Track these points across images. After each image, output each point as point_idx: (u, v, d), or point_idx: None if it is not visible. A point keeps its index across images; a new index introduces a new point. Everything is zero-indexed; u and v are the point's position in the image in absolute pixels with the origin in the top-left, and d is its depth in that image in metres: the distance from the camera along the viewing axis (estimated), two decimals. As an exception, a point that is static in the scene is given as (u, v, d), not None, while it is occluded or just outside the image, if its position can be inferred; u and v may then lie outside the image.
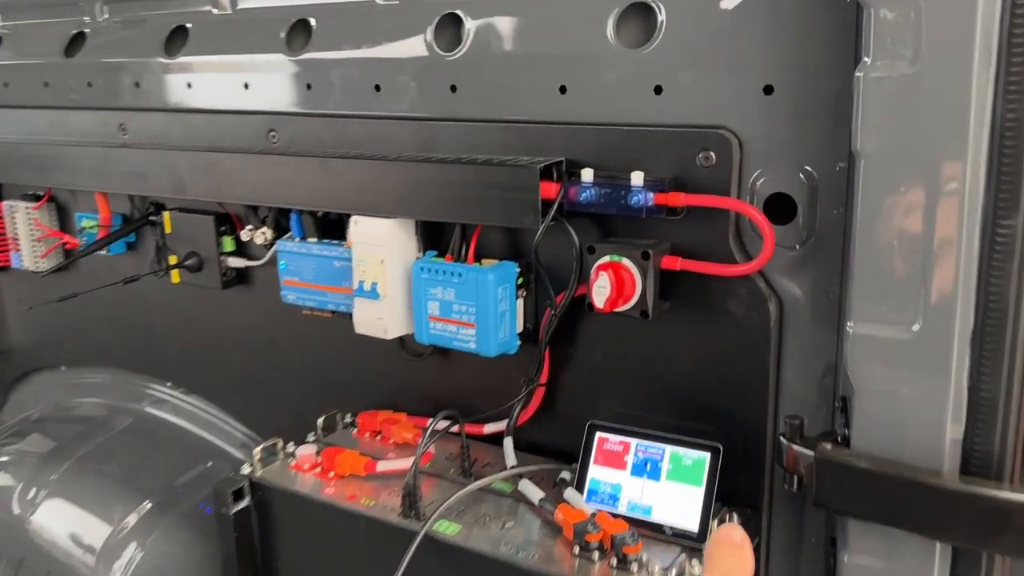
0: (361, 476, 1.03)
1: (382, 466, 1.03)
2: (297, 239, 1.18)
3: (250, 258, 1.29)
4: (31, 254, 1.48)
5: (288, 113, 1.19)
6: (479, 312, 1.01)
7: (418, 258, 1.08)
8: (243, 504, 1.04)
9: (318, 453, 1.08)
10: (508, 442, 1.03)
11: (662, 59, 0.92)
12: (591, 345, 1.03)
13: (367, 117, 1.12)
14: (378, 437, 1.15)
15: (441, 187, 0.99)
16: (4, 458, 1.50)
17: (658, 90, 0.92)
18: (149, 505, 1.33)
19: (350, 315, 1.13)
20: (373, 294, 1.07)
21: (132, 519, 1.31)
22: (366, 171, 1.05)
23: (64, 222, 1.50)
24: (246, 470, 1.07)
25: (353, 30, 1.13)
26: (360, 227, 1.07)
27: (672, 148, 0.91)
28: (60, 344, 1.62)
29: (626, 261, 0.92)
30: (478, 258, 1.05)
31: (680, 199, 0.89)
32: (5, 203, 1.49)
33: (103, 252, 1.39)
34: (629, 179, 0.90)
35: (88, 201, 1.43)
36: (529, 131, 1.00)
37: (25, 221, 1.46)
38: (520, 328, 1.05)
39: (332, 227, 1.17)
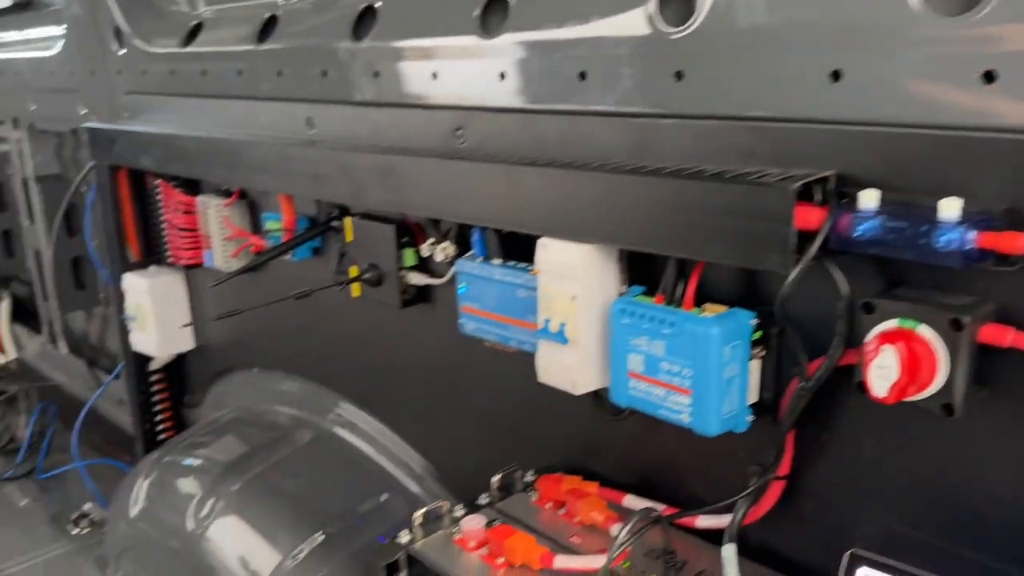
0: (535, 570, 0.82)
1: (562, 562, 0.81)
2: (479, 259, 0.99)
3: (432, 275, 1.11)
4: (222, 253, 1.41)
5: (478, 108, 0.99)
6: (697, 376, 0.75)
7: (620, 294, 0.84)
8: (398, 580, 0.87)
9: (488, 525, 0.88)
10: (730, 550, 0.77)
11: (998, 33, 0.60)
12: (857, 435, 0.73)
13: (567, 113, 0.89)
14: (561, 510, 0.93)
15: (655, 207, 0.74)
16: (193, 462, 1.46)
17: (989, 77, 0.61)
18: (322, 537, 1.21)
19: (533, 354, 0.92)
20: (560, 337, 0.85)
21: (304, 550, 1.21)
22: (560, 182, 0.83)
23: (255, 220, 1.41)
24: (404, 539, 0.89)
25: (558, 5, 0.91)
26: (548, 253, 0.85)
27: (1010, 164, 0.60)
28: (252, 346, 1.56)
29: (924, 330, 0.62)
30: (700, 301, 0.79)
31: (1021, 243, 0.58)
32: (199, 198, 1.44)
33: (287, 257, 1.29)
34: (935, 208, 0.61)
35: (274, 201, 1.33)
36: (781, 133, 0.72)
37: (216, 219, 1.40)
38: (754, 399, 0.78)
39: (520, 246, 0.96)
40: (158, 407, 1.76)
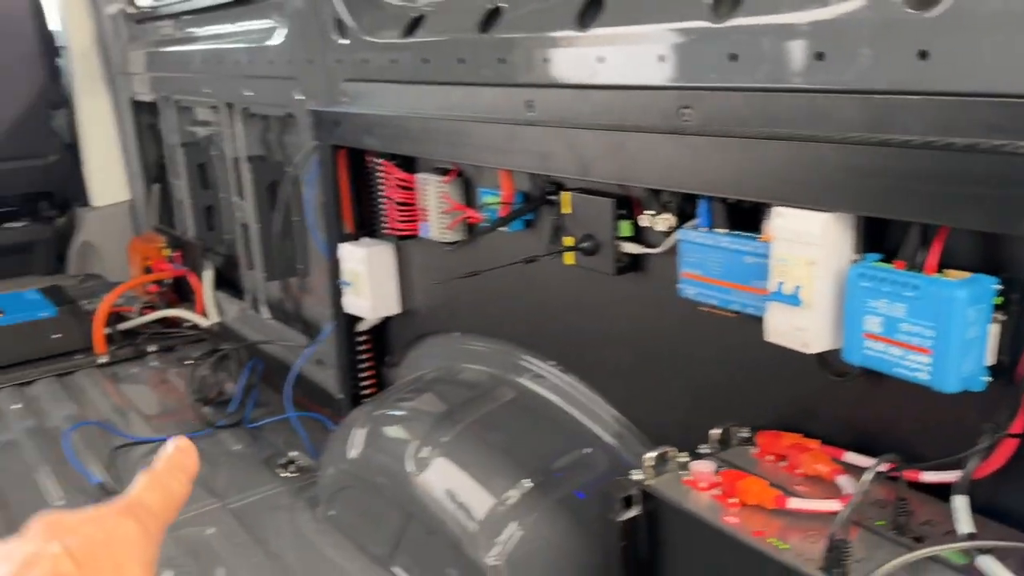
0: (767, 509, 0.90)
1: (796, 503, 0.88)
2: (703, 229, 1.07)
3: (647, 245, 1.20)
4: (438, 225, 1.55)
5: (705, 88, 1.07)
6: (939, 336, 0.80)
7: (854, 261, 0.90)
8: (632, 513, 0.97)
9: (716, 471, 0.97)
10: (961, 501, 0.82)
11: None
12: (1102, 397, 0.77)
13: (802, 91, 0.96)
14: (782, 463, 1.00)
15: (906, 177, 0.80)
16: (404, 413, 1.62)
17: None
18: (530, 484, 1.33)
19: (756, 318, 0.99)
20: (794, 299, 0.92)
21: (514, 495, 1.32)
22: (800, 154, 0.89)
23: (469, 196, 1.55)
24: (637, 476, 0.98)
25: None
26: (786, 220, 0.92)
27: None
28: (457, 312, 1.70)
29: None
30: (940, 267, 0.84)
31: None
32: (419, 175, 1.58)
33: (503, 228, 1.41)
34: None
35: (491, 177, 1.45)
36: (1032, 108, 0.76)
37: (435, 194, 1.54)
38: (991, 361, 0.83)
39: (745, 217, 1.04)
40: (362, 366, 1.94)
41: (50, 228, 3.47)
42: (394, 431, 1.56)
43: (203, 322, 2.80)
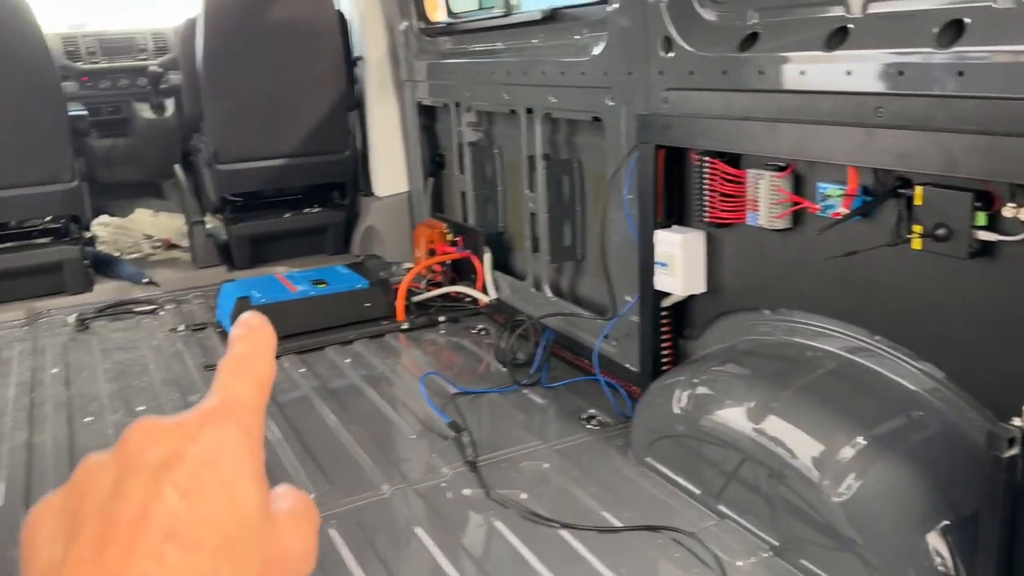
0: None
1: None
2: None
3: (1003, 233, 1.40)
4: (767, 214, 1.80)
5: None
6: None
7: None
8: (1014, 451, 1.18)
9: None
10: None
11: None
12: None
13: None
14: None
15: None
16: (730, 376, 1.88)
17: None
18: (865, 442, 1.55)
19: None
20: None
21: (848, 451, 1.55)
22: None
23: (798, 189, 1.78)
24: (1018, 423, 1.19)
25: None
26: None
27: None
28: (769, 290, 1.94)
29: None
30: None
31: None
32: (751, 171, 1.84)
33: (840, 218, 1.64)
34: None
35: (830, 172, 1.69)
36: None
37: (767, 187, 1.79)
38: None
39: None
40: (663, 338, 2.22)
41: (340, 214, 4.02)
42: (726, 390, 1.82)
43: (483, 298, 3.20)
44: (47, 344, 3.12)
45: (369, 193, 3.99)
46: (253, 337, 0.46)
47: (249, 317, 0.47)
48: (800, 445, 1.61)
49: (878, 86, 1.57)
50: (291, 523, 0.43)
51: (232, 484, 0.40)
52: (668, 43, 2.07)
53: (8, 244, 3.60)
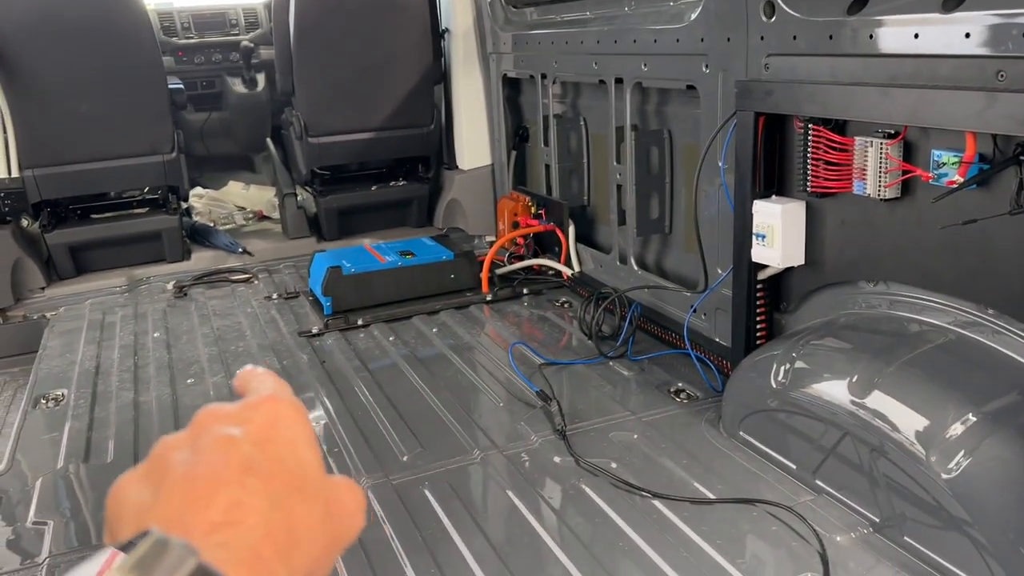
0: None
1: None
2: None
3: None
4: (875, 184, 1.74)
5: None
6: None
7: None
8: None
9: None
10: None
11: None
12: None
13: None
14: None
15: None
16: (832, 350, 1.83)
17: None
18: (975, 418, 1.49)
19: None
20: None
21: (958, 427, 1.49)
22: None
23: (908, 157, 1.72)
24: None
25: None
26: None
27: None
28: (873, 262, 1.88)
29: None
30: None
31: None
32: (858, 139, 1.78)
33: (955, 186, 1.57)
34: None
35: (944, 139, 1.62)
36: None
37: (876, 155, 1.73)
38: None
39: None
40: (757, 312, 2.18)
41: (424, 187, 4.06)
42: (827, 364, 1.78)
43: (566, 271, 3.19)
44: (148, 310, 3.26)
45: (453, 166, 4.02)
46: (268, 374, 0.54)
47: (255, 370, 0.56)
48: (906, 420, 1.57)
49: (999, 48, 1.49)
50: (346, 485, 0.50)
51: (294, 442, 0.47)
52: (771, 8, 2.01)
53: (110, 214, 3.76)
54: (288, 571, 0.42)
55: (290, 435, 0.47)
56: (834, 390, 1.71)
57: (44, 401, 2.47)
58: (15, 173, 3.43)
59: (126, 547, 0.38)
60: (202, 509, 0.41)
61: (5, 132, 3.40)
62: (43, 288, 3.52)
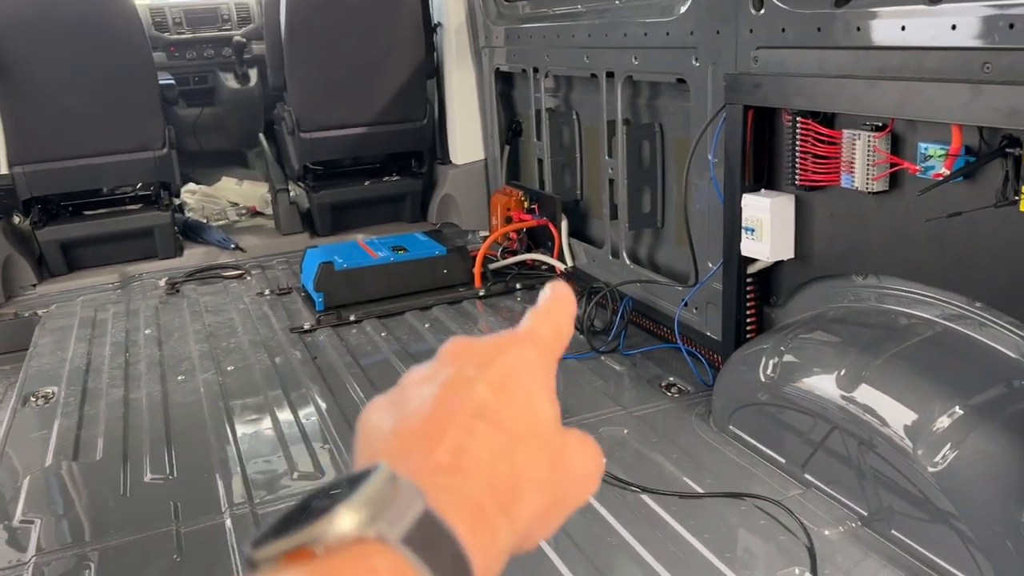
0: None
1: None
2: None
3: (1119, 192, 1.32)
4: (863, 176, 1.74)
5: None
6: None
7: None
8: None
9: None
10: None
11: None
12: None
13: None
14: None
15: None
16: (820, 344, 1.83)
17: None
18: (961, 412, 1.49)
19: None
20: None
21: (945, 420, 1.49)
22: None
23: (896, 149, 1.71)
24: None
25: None
26: None
27: None
28: (862, 255, 1.87)
29: None
30: None
31: None
32: (846, 131, 1.77)
33: (942, 178, 1.57)
34: None
35: (931, 131, 1.61)
36: None
37: (864, 148, 1.72)
38: None
39: None
40: (747, 305, 2.18)
41: (418, 182, 4.05)
42: (815, 358, 1.78)
43: (559, 265, 3.19)
44: (140, 306, 3.25)
45: (446, 161, 4.01)
46: (561, 297, 0.52)
47: (558, 284, 0.54)
48: (893, 414, 1.56)
49: (986, 40, 1.49)
50: (579, 444, 0.47)
51: (531, 391, 0.46)
52: (759, 0, 2.00)
53: (102, 210, 3.75)
54: (509, 526, 0.41)
55: (529, 383, 0.46)
56: (823, 384, 1.71)
57: (34, 399, 2.46)
58: (4, 170, 3.42)
59: (356, 480, 0.37)
60: (430, 449, 0.40)
61: (-6, 129, 3.38)
62: (35, 285, 3.51)
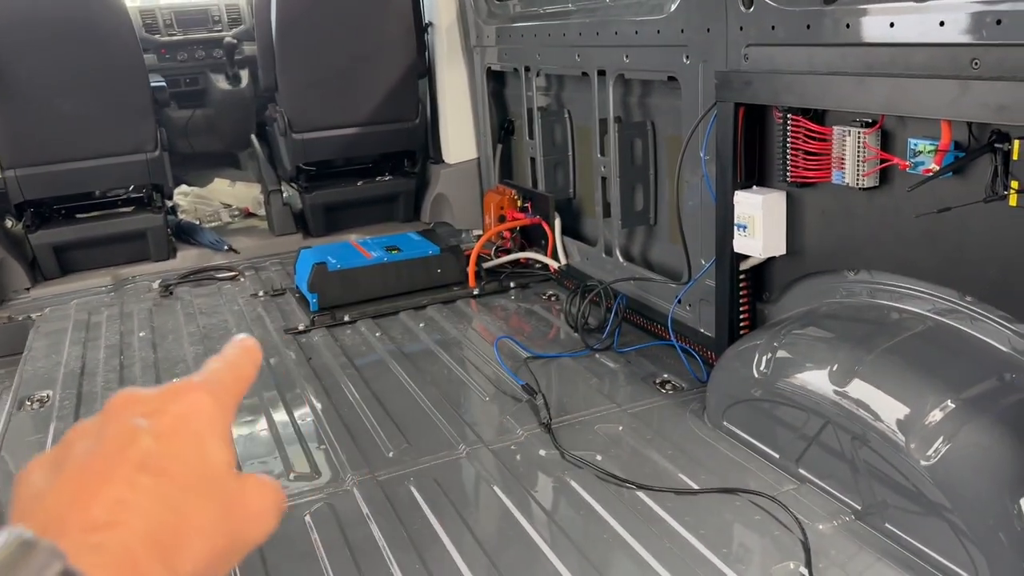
0: None
1: None
2: None
3: (1107, 186, 1.33)
4: (854, 172, 1.75)
5: None
6: None
7: None
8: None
9: None
10: None
11: None
12: None
13: None
14: None
15: None
16: (813, 339, 1.84)
17: None
18: (953, 405, 1.50)
19: None
20: None
21: (937, 414, 1.50)
22: None
23: (886, 145, 1.72)
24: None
25: None
26: None
27: None
28: (854, 251, 1.88)
29: None
30: None
31: None
32: (836, 128, 1.78)
33: (931, 174, 1.58)
34: None
35: (921, 127, 1.62)
36: None
37: (854, 144, 1.73)
38: None
39: None
40: (740, 302, 2.19)
41: (411, 182, 4.05)
42: (808, 354, 1.79)
43: (553, 264, 3.19)
44: (134, 309, 3.25)
45: (439, 160, 4.01)
46: (245, 347, 0.55)
47: (246, 337, 0.57)
48: (886, 408, 1.57)
49: (974, 36, 1.50)
50: (257, 485, 0.49)
51: (201, 436, 0.46)
52: (748, -2, 2.01)
53: (95, 213, 3.74)
54: (170, 573, 0.41)
55: (200, 429, 0.46)
56: (816, 379, 1.72)
57: (29, 403, 2.46)
58: (-4, 174, 3.41)
59: None
60: (85, 506, 0.40)
61: (-14, 133, 3.37)
62: (28, 289, 3.51)
